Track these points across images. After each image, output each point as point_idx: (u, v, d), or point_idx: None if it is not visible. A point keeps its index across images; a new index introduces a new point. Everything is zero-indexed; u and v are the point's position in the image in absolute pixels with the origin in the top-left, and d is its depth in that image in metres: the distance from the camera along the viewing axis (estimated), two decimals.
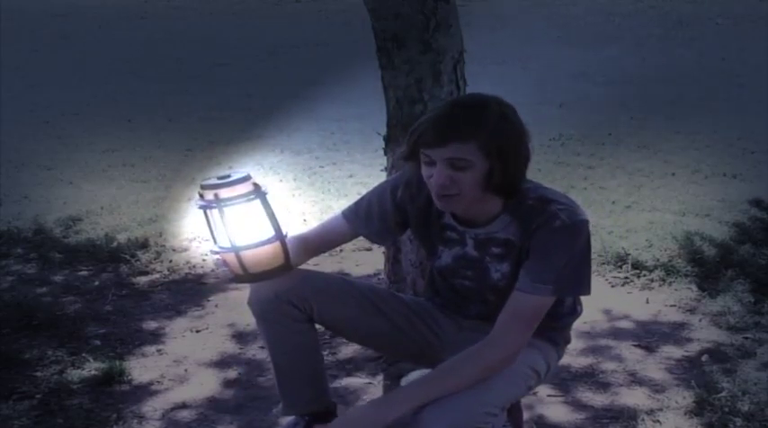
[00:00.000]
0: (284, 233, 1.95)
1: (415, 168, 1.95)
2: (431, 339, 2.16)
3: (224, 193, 1.86)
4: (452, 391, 1.82)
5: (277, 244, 1.93)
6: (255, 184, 1.91)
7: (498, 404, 1.86)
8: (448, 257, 2.05)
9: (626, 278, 3.59)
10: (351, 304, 2.13)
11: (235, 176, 1.89)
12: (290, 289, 2.07)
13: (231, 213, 1.87)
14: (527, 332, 1.91)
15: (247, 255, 1.90)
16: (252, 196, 1.89)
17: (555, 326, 2.07)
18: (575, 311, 2.13)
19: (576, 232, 1.88)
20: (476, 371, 1.85)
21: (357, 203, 2.15)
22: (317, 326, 2.20)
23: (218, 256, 1.95)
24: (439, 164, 1.85)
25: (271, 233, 1.91)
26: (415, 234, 2.19)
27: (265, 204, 1.91)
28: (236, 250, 1.88)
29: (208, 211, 1.89)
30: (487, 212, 1.95)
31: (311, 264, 2.21)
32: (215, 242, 1.92)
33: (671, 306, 3.34)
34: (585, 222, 1.91)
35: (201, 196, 1.89)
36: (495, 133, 1.84)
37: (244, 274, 1.93)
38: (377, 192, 2.13)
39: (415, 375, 2.43)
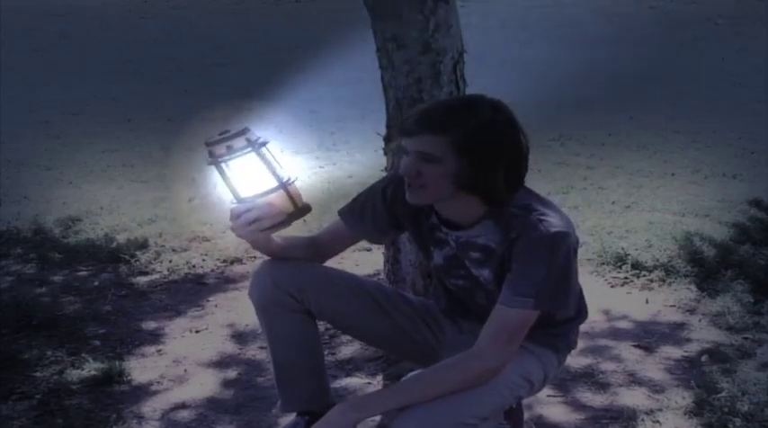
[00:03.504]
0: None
1: None
2: (431, 341, 2.16)
3: (253, 136, 1.93)
4: (428, 399, 1.79)
5: (294, 180, 2.00)
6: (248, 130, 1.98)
7: (476, 414, 1.82)
8: (439, 257, 2.05)
9: (625, 278, 3.59)
10: (353, 300, 2.13)
11: (234, 130, 1.96)
12: (291, 281, 2.07)
13: (266, 152, 1.94)
14: (510, 345, 1.87)
15: (292, 189, 1.97)
16: (262, 139, 1.96)
17: (554, 332, 2.04)
18: (578, 316, 2.09)
19: (554, 244, 1.83)
20: (454, 383, 1.82)
21: (352, 202, 2.15)
22: (319, 324, 2.20)
23: (250, 211, 1.94)
24: (410, 153, 1.86)
25: (287, 172, 1.98)
26: (409, 234, 2.19)
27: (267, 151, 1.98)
28: (284, 185, 1.95)
29: (239, 160, 1.93)
30: (468, 215, 1.93)
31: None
32: (242, 194, 1.94)
33: (670, 306, 3.34)
34: (566, 234, 1.85)
35: (228, 147, 1.92)
36: (472, 135, 1.81)
37: (295, 210, 1.97)
38: (369, 192, 2.13)
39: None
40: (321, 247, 2.16)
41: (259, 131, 1.96)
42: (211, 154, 1.93)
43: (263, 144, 1.95)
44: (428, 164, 1.83)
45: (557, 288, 1.87)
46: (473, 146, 1.82)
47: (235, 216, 1.95)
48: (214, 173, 1.96)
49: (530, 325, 1.88)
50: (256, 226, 1.94)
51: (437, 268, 2.09)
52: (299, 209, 1.99)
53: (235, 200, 1.97)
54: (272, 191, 1.95)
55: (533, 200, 1.91)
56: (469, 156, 1.82)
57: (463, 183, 1.85)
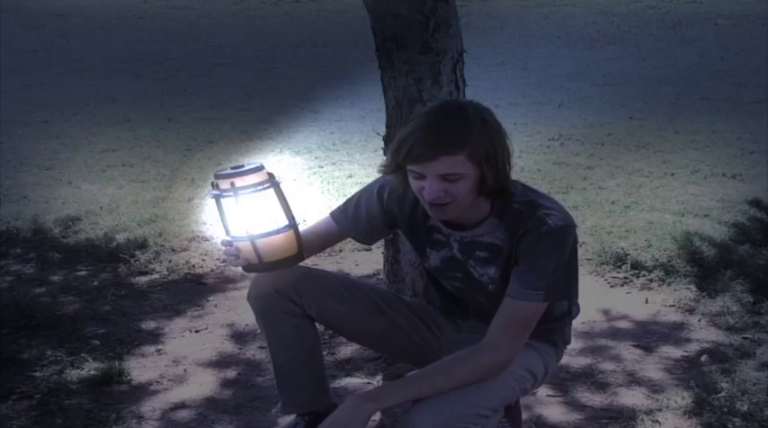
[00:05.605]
0: (297, 222, 1.97)
1: (401, 177, 1.92)
2: (431, 341, 2.16)
3: (239, 182, 1.89)
4: (440, 391, 1.82)
5: (290, 232, 1.95)
6: (269, 174, 1.94)
7: (489, 405, 1.86)
8: (436, 259, 2.05)
9: (625, 278, 3.59)
10: (351, 302, 2.13)
11: (249, 166, 1.92)
12: (290, 286, 2.08)
13: (246, 201, 1.90)
14: (520, 338, 1.91)
15: (262, 243, 1.92)
16: (266, 185, 1.92)
17: (552, 327, 2.07)
18: (570, 312, 2.12)
19: (563, 237, 1.88)
20: (466, 375, 1.85)
21: (346, 204, 2.14)
22: (319, 326, 2.20)
23: (228, 247, 1.96)
24: (430, 178, 1.83)
25: (285, 222, 1.94)
26: (405, 235, 2.19)
27: (279, 193, 1.94)
28: (251, 238, 1.91)
29: (222, 200, 1.91)
30: (475, 215, 1.95)
31: (310, 264, 2.21)
32: (227, 232, 1.94)
33: (670, 306, 3.34)
34: (573, 226, 1.90)
35: (216, 186, 1.91)
36: (481, 140, 1.82)
37: (258, 263, 1.94)
38: (365, 194, 2.12)
39: None
40: (304, 244, 2.16)
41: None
42: (220, 186, 1.91)
43: (279, 182, 1.93)
44: (452, 182, 1.83)
45: (565, 279, 1.92)
46: (486, 150, 1.83)
47: (225, 244, 2.00)
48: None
49: (538, 318, 1.91)
50: (231, 262, 1.99)
51: (434, 269, 2.09)
52: (298, 255, 1.97)
53: (238, 235, 1.96)
54: (282, 230, 1.93)
55: (533, 195, 1.94)
56: (486, 161, 1.84)
57: (485, 188, 1.86)
